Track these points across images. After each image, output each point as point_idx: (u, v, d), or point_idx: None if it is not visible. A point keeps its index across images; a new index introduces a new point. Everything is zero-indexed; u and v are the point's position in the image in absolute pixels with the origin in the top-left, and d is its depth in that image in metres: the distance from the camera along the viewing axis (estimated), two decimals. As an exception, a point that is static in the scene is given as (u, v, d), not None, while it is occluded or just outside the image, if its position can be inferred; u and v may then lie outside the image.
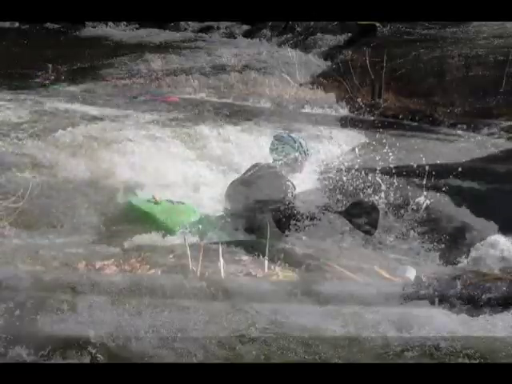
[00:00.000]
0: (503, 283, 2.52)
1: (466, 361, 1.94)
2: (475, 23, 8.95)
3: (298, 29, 10.70)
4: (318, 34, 10.00)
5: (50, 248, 3.09)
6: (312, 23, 10.35)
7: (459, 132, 6.31)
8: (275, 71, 8.37)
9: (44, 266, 2.69)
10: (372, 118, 6.99)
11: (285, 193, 3.71)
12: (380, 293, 2.38)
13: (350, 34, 9.17)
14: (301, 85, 7.79)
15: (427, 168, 3.91)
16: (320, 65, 8.66)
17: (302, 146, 4.04)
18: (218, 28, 12.43)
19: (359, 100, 7.15)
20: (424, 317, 2.16)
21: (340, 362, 1.97)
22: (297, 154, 4.01)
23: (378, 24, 8.78)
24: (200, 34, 12.25)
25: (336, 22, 9.72)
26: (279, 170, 3.92)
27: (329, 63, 8.67)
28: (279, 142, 4.06)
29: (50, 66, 8.96)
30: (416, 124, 6.62)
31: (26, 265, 2.69)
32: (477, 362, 1.96)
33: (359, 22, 8.94)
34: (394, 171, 3.98)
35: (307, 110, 7.14)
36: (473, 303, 2.30)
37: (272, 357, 1.95)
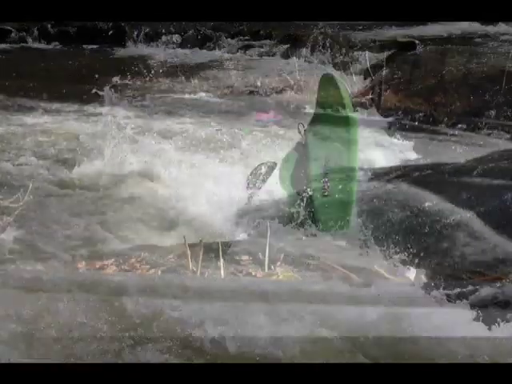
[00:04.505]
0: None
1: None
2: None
3: (337, 47, 10.64)
4: (357, 52, 9.86)
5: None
6: (352, 41, 10.31)
7: (459, 132, 6.31)
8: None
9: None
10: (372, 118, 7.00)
11: None
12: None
13: (389, 52, 9.14)
14: None
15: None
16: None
17: None
18: (254, 47, 12.47)
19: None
20: None
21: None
22: None
23: (417, 41, 8.83)
24: (234, 55, 12.20)
25: (377, 42, 9.74)
26: None
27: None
28: None
29: None
30: (416, 124, 6.63)
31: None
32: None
33: (399, 39, 9.06)
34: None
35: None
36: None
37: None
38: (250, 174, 4.26)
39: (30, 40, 13.52)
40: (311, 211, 3.64)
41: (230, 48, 12.81)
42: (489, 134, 6.12)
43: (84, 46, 12.78)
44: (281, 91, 8.58)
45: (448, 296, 2.38)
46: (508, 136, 5.95)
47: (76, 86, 8.53)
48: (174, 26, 12.56)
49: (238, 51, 12.52)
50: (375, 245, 3.22)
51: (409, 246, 3.12)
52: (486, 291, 2.41)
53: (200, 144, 5.48)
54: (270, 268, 2.79)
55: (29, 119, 7.06)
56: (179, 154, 5.00)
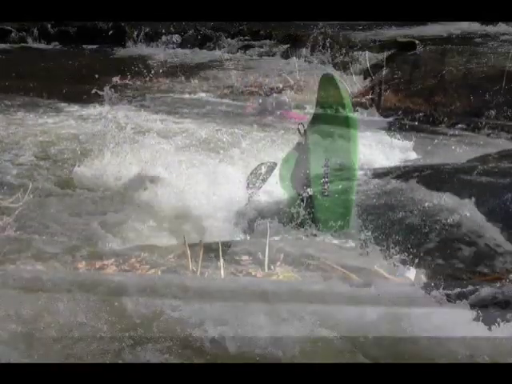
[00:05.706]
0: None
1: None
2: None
3: (337, 47, 10.62)
4: (357, 52, 9.84)
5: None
6: (352, 41, 10.31)
7: (459, 132, 6.32)
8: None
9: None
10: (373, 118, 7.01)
11: None
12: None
13: (389, 52, 9.14)
14: None
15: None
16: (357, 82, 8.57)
17: None
18: (254, 47, 12.46)
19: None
20: None
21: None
22: None
23: (417, 41, 8.86)
24: (234, 55, 12.18)
25: (377, 42, 9.76)
26: None
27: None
28: None
29: None
30: (416, 124, 6.63)
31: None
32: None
33: (399, 39, 9.10)
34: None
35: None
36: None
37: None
38: (250, 174, 4.26)
39: (30, 40, 13.52)
40: (311, 211, 3.64)
41: (230, 48, 12.81)
42: (489, 134, 6.13)
43: (84, 46, 12.79)
44: (281, 91, 8.58)
45: (448, 296, 2.38)
46: (508, 136, 5.96)
47: (76, 85, 8.54)
48: (173, 26, 12.57)
49: (238, 51, 12.53)
50: (375, 245, 3.22)
51: (409, 246, 3.13)
52: (485, 291, 2.41)
53: (200, 144, 5.48)
54: (269, 268, 2.79)
55: (29, 119, 7.07)
56: (179, 153, 5.00)
